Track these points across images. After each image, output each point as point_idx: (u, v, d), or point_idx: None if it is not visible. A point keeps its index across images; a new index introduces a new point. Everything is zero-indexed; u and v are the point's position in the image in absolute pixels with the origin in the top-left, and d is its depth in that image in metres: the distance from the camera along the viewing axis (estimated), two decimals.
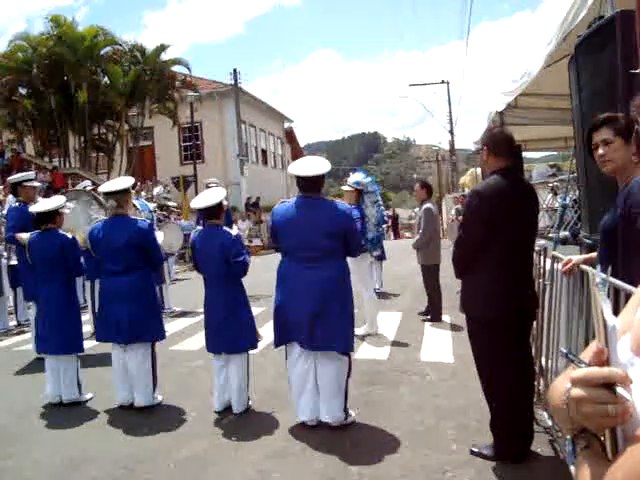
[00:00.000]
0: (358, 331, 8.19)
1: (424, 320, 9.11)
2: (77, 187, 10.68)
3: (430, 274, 9.13)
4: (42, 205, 6.23)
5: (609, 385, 0.88)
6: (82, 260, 6.07)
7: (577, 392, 0.91)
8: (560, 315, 4.51)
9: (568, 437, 1.02)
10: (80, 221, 8.14)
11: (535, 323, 4.82)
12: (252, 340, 5.51)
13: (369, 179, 8.41)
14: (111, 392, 5.82)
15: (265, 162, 37.67)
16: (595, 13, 5.14)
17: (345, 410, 4.94)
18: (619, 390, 0.87)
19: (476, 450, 4.25)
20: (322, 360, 4.89)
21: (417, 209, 10.99)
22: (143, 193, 14.97)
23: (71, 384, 5.85)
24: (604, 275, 0.98)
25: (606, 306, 0.95)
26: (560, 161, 18.23)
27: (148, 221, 6.10)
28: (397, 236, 37.45)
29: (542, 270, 5.03)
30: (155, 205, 13.00)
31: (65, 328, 5.84)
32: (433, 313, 9.14)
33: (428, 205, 9.14)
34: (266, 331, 6.52)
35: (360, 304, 7.97)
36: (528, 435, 4.14)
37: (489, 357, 4.07)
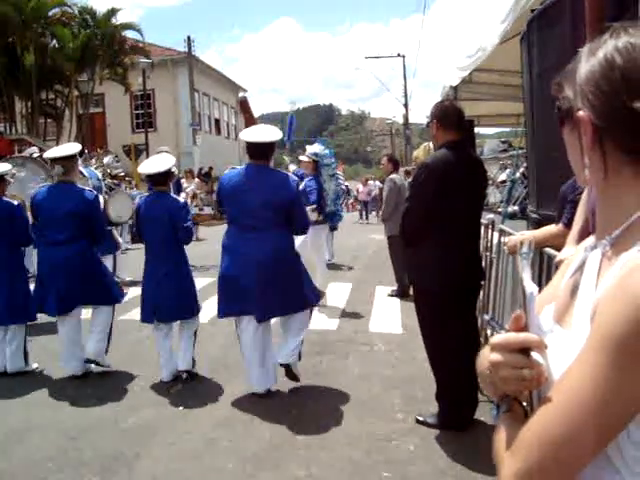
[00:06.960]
0: None
1: (391, 295, 8.80)
2: (24, 154, 10.36)
3: (395, 246, 8.55)
4: None
5: (525, 350, 0.91)
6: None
7: (496, 357, 0.93)
8: (506, 288, 4.61)
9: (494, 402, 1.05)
10: (26, 189, 7.92)
11: (482, 295, 4.91)
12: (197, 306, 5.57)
13: (327, 151, 8.41)
14: (58, 362, 5.72)
15: (218, 132, 37.21)
16: None
17: (299, 353, 5.13)
18: (534, 355, 0.90)
19: (421, 419, 4.34)
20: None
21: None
22: (93, 161, 14.50)
23: (17, 353, 5.72)
24: (527, 247, 1.01)
25: (526, 275, 0.98)
26: (512, 137, 18.44)
27: (94, 192, 5.95)
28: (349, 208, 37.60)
29: (489, 243, 5.12)
30: (102, 173, 12.71)
31: (12, 297, 5.69)
32: (399, 287, 8.77)
33: (392, 176, 9.09)
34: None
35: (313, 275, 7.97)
36: (472, 404, 4.23)
37: (434, 328, 4.14)
